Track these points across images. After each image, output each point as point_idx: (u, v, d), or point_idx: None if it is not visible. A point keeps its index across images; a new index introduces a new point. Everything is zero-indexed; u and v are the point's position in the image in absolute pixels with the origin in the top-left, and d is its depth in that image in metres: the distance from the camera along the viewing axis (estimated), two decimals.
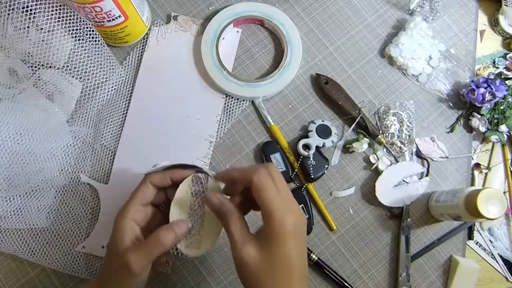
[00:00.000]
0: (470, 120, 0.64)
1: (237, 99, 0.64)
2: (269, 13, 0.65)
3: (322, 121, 0.62)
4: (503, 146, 0.65)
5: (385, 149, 0.63)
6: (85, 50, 0.60)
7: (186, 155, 0.62)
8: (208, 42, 0.64)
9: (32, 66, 0.60)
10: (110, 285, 0.44)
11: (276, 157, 0.61)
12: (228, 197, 0.45)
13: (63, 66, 0.61)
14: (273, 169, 0.42)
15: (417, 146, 0.63)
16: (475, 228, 0.62)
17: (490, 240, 0.62)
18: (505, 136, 0.63)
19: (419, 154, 0.63)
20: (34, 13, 0.53)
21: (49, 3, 0.53)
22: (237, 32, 0.66)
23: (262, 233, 0.40)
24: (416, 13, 0.67)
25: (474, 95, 0.61)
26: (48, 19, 0.54)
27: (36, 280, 0.59)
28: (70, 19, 0.55)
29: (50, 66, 0.61)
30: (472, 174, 0.64)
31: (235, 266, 0.41)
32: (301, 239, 0.41)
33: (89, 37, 0.58)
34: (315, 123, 0.61)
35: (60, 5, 0.54)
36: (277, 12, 0.65)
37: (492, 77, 0.62)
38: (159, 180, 0.47)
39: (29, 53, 0.57)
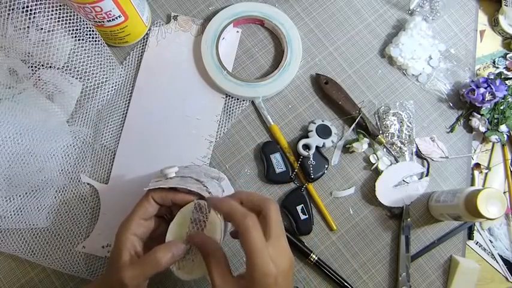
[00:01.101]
0: (470, 120, 0.64)
1: (237, 99, 0.64)
2: (269, 13, 0.65)
3: (322, 121, 0.62)
4: (503, 146, 0.65)
5: (385, 149, 0.63)
6: (85, 50, 0.60)
7: (186, 155, 0.62)
8: (208, 42, 0.64)
9: (32, 66, 0.60)
10: None
11: (276, 157, 0.61)
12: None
13: (63, 66, 0.61)
14: (271, 212, 0.41)
15: (417, 146, 0.63)
16: (475, 228, 0.62)
17: (490, 240, 0.62)
18: (505, 136, 0.63)
19: (419, 154, 0.63)
20: (34, 13, 0.53)
21: (49, 3, 0.53)
22: (237, 32, 0.66)
23: (243, 279, 0.40)
24: (416, 13, 0.67)
25: (474, 95, 0.61)
26: (48, 19, 0.54)
27: (36, 280, 0.59)
28: (70, 19, 0.55)
29: (50, 66, 0.61)
30: (472, 174, 0.64)
31: None
32: None
33: (89, 37, 0.58)
34: (315, 123, 0.61)
35: (60, 5, 0.54)
36: (277, 12, 0.65)
37: (492, 77, 0.62)
38: (160, 199, 0.48)
39: (29, 53, 0.57)
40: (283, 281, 0.40)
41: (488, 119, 0.62)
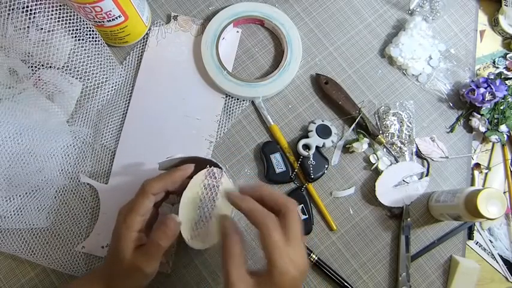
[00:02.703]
0: (470, 120, 0.64)
1: (237, 99, 0.64)
2: (269, 13, 0.65)
3: (322, 121, 0.62)
4: (503, 146, 0.65)
5: (385, 149, 0.63)
6: (85, 50, 0.60)
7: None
8: (208, 42, 0.64)
9: (32, 66, 0.60)
10: (124, 286, 0.47)
11: (276, 157, 0.61)
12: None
13: (63, 66, 0.61)
14: (293, 215, 0.42)
15: (417, 146, 0.63)
16: (475, 228, 0.62)
17: (490, 240, 0.62)
18: (505, 136, 0.63)
19: (419, 154, 0.63)
20: (34, 13, 0.53)
21: (49, 3, 0.53)
22: (237, 32, 0.66)
23: (260, 277, 0.41)
24: (416, 13, 0.67)
25: (474, 95, 0.61)
26: (48, 19, 0.54)
27: (36, 280, 0.59)
28: (70, 19, 0.55)
29: (50, 66, 0.61)
30: (472, 174, 0.64)
31: None
32: None
33: (89, 37, 0.58)
34: (315, 123, 0.61)
35: (60, 5, 0.54)
36: (277, 12, 0.65)
37: (492, 77, 0.62)
38: (158, 189, 0.48)
39: (29, 53, 0.57)
40: (300, 282, 0.41)
41: (488, 119, 0.62)
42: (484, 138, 0.65)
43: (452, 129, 0.65)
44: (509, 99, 0.62)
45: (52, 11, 0.54)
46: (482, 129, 0.63)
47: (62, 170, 0.59)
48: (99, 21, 0.57)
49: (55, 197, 0.60)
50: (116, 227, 0.47)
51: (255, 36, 0.67)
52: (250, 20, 0.66)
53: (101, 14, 0.55)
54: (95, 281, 0.49)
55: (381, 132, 0.64)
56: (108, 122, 0.63)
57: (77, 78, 0.62)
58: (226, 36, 0.66)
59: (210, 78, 0.63)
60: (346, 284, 0.59)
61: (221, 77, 0.63)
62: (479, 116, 0.63)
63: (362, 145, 0.62)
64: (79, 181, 0.61)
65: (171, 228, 0.46)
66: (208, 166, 0.49)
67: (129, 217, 0.47)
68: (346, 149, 0.63)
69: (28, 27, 0.55)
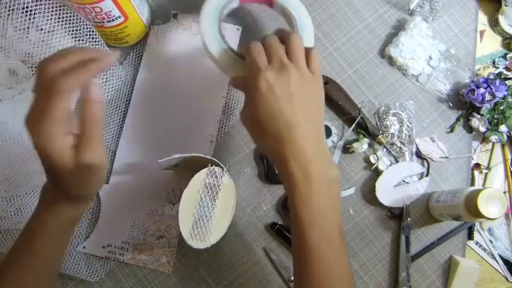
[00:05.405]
0: (470, 120, 0.64)
1: (238, 99, 0.64)
2: None
3: None
4: (503, 146, 0.65)
5: (385, 149, 0.63)
6: None
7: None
8: (211, 15, 0.54)
9: (32, 67, 0.60)
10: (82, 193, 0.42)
11: None
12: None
13: None
14: (295, 39, 0.47)
15: (417, 146, 0.63)
16: (475, 228, 0.62)
17: (490, 240, 0.62)
18: (505, 136, 0.63)
19: (419, 154, 0.63)
20: (34, 13, 0.53)
21: (49, 4, 0.53)
22: (237, 29, 0.66)
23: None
24: (416, 13, 0.67)
25: (474, 95, 0.61)
26: (48, 19, 0.54)
27: None
28: (70, 19, 0.55)
29: None
30: (472, 174, 0.64)
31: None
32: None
33: (89, 37, 0.58)
34: None
35: (60, 6, 0.54)
36: None
37: (492, 77, 0.62)
38: (74, 86, 0.36)
39: (29, 54, 0.57)
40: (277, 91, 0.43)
41: (488, 119, 0.62)
42: (484, 138, 0.65)
43: (452, 129, 0.65)
44: (509, 99, 0.62)
45: (52, 11, 0.54)
46: (482, 129, 0.63)
47: None
48: (99, 22, 0.57)
49: None
50: (34, 143, 0.37)
51: (255, 35, 0.66)
52: None
53: (101, 15, 0.55)
54: (51, 209, 0.43)
55: (380, 132, 0.64)
56: (108, 122, 0.63)
57: None
58: (226, 33, 0.65)
59: (211, 77, 0.63)
60: None
61: (224, 54, 0.52)
62: (479, 116, 0.63)
63: (362, 145, 0.62)
64: None
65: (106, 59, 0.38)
66: (209, 165, 0.49)
67: (44, 126, 0.36)
68: (346, 149, 0.63)
69: (28, 27, 0.55)
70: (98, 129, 0.38)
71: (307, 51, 0.47)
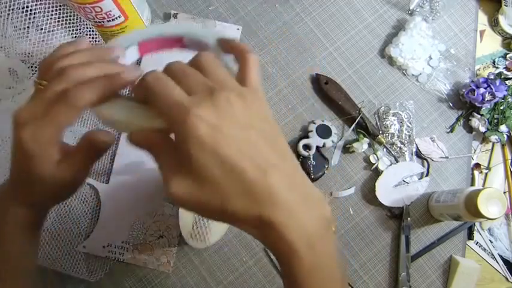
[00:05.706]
0: (470, 120, 0.64)
1: None
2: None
3: (322, 121, 0.62)
4: (503, 146, 0.65)
5: (385, 149, 0.63)
6: None
7: None
8: None
9: (32, 66, 0.60)
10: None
11: None
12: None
13: None
14: (251, 59, 0.34)
15: (417, 146, 0.63)
16: (475, 228, 0.62)
17: (490, 240, 0.62)
18: (505, 136, 0.63)
19: (419, 154, 0.63)
20: (34, 13, 0.53)
21: (49, 3, 0.53)
22: (237, 29, 0.66)
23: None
24: (416, 13, 0.67)
25: (474, 95, 0.61)
26: (48, 19, 0.54)
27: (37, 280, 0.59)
28: (70, 19, 0.55)
29: None
30: (472, 174, 0.64)
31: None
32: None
33: (89, 37, 0.58)
34: (315, 123, 0.61)
35: (60, 5, 0.54)
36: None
37: (492, 77, 0.62)
38: (92, 101, 0.33)
39: (29, 53, 0.57)
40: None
41: (488, 119, 0.62)
42: (484, 138, 0.65)
43: (452, 129, 0.65)
44: (509, 99, 0.62)
45: (52, 11, 0.54)
46: (482, 129, 0.63)
47: None
48: (99, 22, 0.57)
49: None
50: (20, 141, 0.34)
51: (255, 36, 0.66)
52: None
53: (101, 14, 0.55)
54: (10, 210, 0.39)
55: (380, 132, 0.64)
56: None
57: None
58: (226, 33, 0.65)
59: None
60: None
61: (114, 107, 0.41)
62: (479, 116, 0.63)
63: (362, 145, 0.62)
64: None
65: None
66: None
67: (41, 131, 0.33)
68: (346, 149, 0.63)
69: (28, 27, 0.54)
70: (92, 160, 0.37)
71: (244, 61, 0.35)
